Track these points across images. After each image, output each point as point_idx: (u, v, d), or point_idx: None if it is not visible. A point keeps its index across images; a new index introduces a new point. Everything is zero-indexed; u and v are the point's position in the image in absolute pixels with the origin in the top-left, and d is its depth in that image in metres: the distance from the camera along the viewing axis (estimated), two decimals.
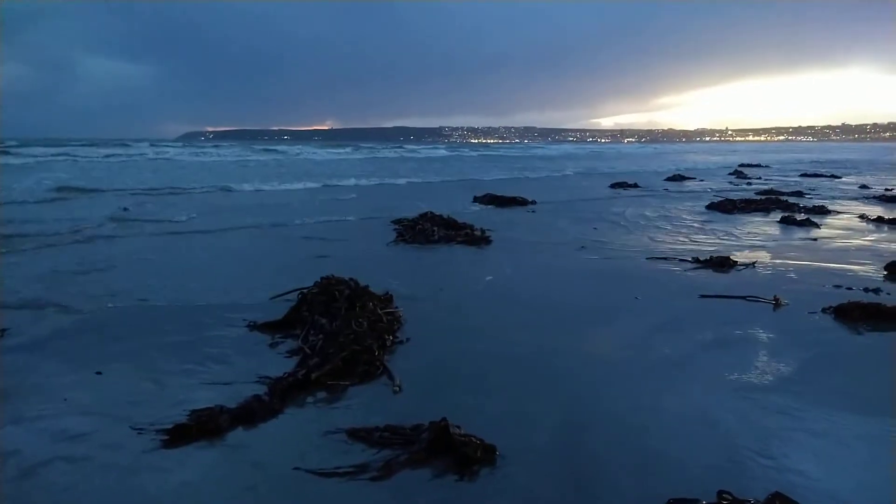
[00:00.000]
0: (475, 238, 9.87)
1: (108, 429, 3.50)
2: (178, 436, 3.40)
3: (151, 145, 53.24)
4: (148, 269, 7.69)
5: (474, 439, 3.22)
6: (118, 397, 3.91)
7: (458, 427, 3.29)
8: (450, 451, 3.20)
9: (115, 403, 3.82)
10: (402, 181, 23.65)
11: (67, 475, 3.06)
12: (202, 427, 3.46)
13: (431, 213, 11.46)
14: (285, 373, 4.17)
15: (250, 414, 3.64)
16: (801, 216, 12.47)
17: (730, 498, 2.76)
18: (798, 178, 26.24)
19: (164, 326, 5.29)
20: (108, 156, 37.37)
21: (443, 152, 59.71)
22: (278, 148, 53.86)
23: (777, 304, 6.07)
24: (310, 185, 20.84)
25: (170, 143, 63.45)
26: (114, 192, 17.35)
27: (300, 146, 63.08)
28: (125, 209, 13.02)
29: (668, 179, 25.20)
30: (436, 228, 10.28)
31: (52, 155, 34.59)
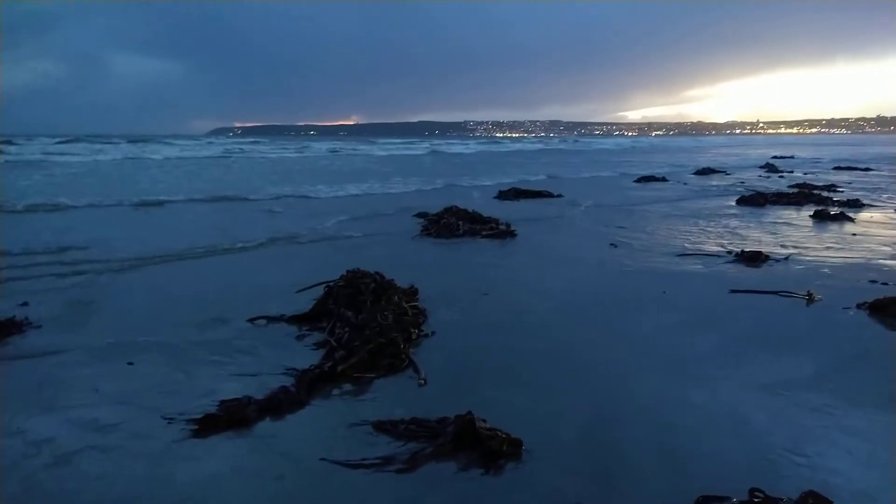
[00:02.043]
0: (500, 232, 9.84)
1: (138, 418, 3.55)
2: (207, 426, 3.43)
3: (209, 143, 54.48)
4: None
5: (500, 433, 3.20)
6: (149, 387, 3.97)
7: (484, 420, 3.27)
8: (475, 444, 3.18)
9: (145, 393, 3.88)
10: (534, 178, 22.23)
11: (99, 463, 3.11)
12: (231, 417, 3.49)
13: (456, 206, 11.45)
14: (312, 365, 4.19)
15: (277, 405, 3.67)
16: (834, 210, 12.18)
17: (762, 496, 2.70)
18: (831, 171, 25.66)
19: (194, 318, 5.36)
20: (224, 157, 38.08)
21: (506, 146, 61.10)
22: (338, 146, 53.16)
23: (810, 299, 5.94)
24: (436, 184, 19.72)
25: (239, 140, 65.15)
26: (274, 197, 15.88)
27: (358, 142, 63.88)
28: None
29: (698, 173, 24.83)
30: (460, 223, 10.26)
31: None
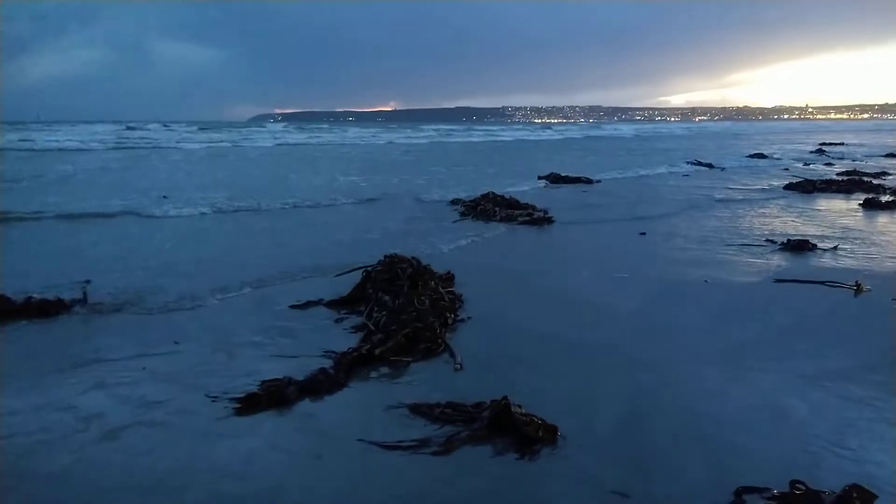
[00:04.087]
0: (537, 218, 9.78)
1: (183, 396, 3.66)
2: (249, 404, 3.52)
3: (272, 137, 53.99)
4: None
5: (535, 419, 3.21)
6: (193, 367, 4.09)
7: (520, 406, 3.28)
8: (511, 429, 3.19)
9: (190, 372, 4.00)
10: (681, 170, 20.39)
11: (146, 439, 3.22)
12: (271, 397, 3.58)
13: (493, 193, 11.43)
14: (350, 348, 4.25)
15: (317, 386, 3.74)
16: (886, 198, 11.75)
17: (803, 488, 2.65)
18: (883, 158, 24.71)
19: (237, 302, 5.49)
20: (308, 143, 38.00)
21: (568, 133, 62.35)
22: (412, 135, 50.23)
23: (858, 289, 5.76)
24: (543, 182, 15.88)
25: (296, 126, 65.97)
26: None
27: (405, 129, 63.03)
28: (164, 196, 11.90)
29: (745, 159, 24.27)
30: (497, 209, 10.24)
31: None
